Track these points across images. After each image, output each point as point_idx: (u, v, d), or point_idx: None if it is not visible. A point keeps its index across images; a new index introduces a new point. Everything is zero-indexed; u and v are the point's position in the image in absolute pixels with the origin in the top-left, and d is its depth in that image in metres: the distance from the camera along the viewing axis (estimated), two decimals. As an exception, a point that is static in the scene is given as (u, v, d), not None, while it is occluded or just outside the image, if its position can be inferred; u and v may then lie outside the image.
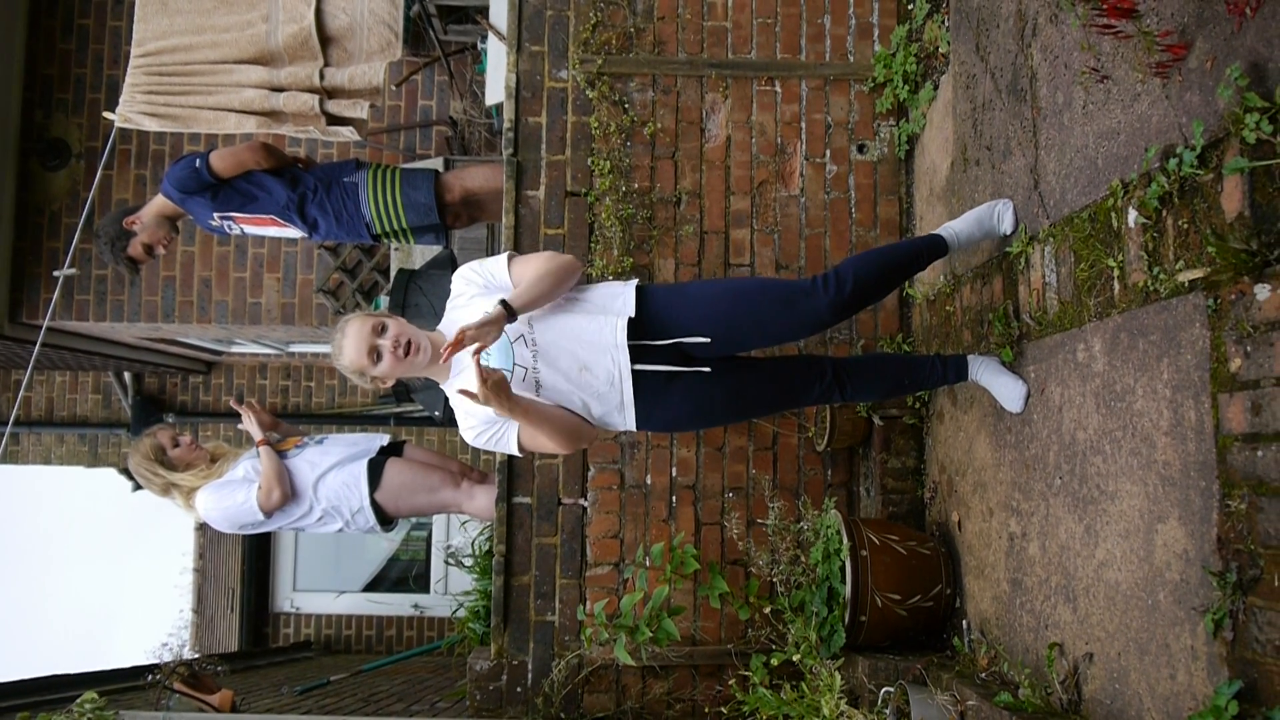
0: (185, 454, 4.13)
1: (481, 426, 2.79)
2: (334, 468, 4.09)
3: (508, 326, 2.66)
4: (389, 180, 4.38)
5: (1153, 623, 2.23)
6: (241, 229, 4.42)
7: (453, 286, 2.88)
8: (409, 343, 2.70)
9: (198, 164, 4.16)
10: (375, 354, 2.71)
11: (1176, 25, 2.15)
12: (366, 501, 4.07)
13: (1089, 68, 2.52)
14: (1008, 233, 3.06)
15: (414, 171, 4.51)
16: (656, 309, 2.82)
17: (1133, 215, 2.32)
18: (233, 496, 3.99)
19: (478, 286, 2.82)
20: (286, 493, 3.99)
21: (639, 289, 2.86)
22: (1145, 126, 2.30)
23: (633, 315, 2.77)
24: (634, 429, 2.88)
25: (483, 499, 4.16)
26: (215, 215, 4.30)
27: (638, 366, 2.76)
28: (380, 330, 2.70)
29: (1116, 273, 2.42)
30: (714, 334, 2.82)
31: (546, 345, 2.73)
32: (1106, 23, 2.29)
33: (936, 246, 3.10)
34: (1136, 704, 2.29)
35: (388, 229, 4.40)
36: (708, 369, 2.84)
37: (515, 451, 2.82)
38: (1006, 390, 2.98)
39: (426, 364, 2.75)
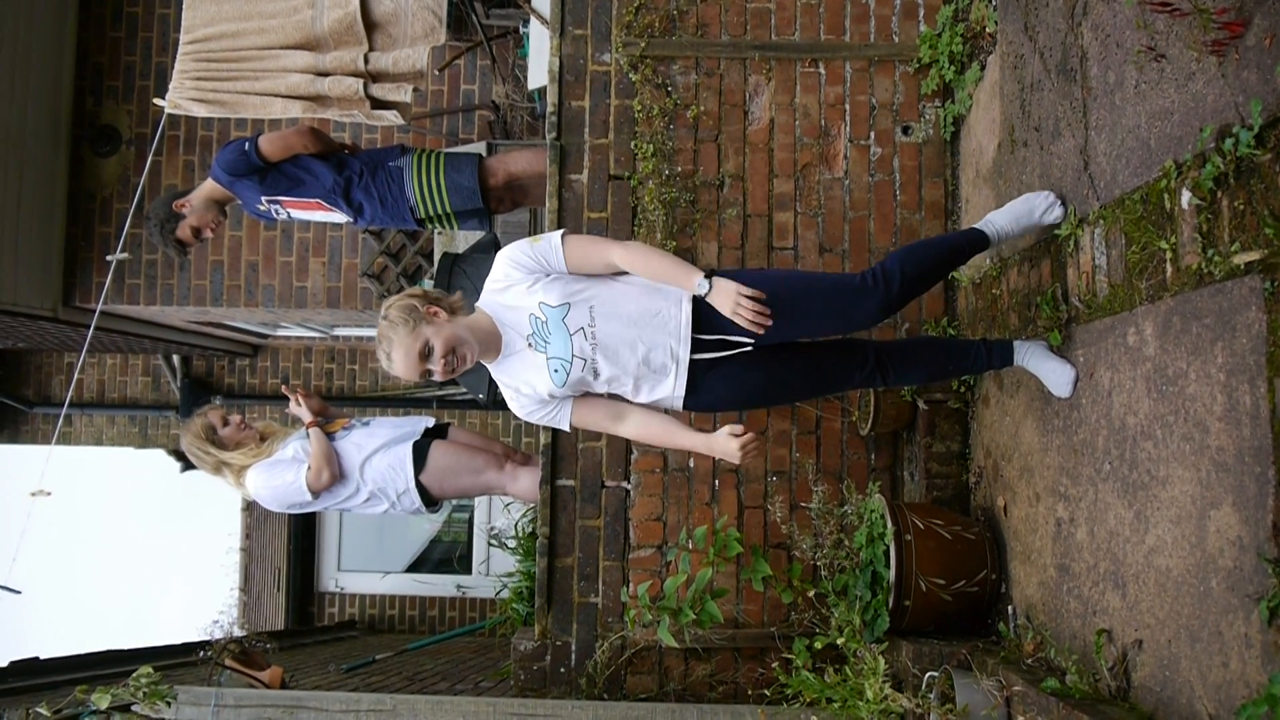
0: (235, 433, 4.21)
1: (534, 406, 2.88)
2: (380, 450, 4.14)
3: (567, 319, 2.73)
4: (433, 165, 4.41)
5: (1205, 610, 2.21)
6: (288, 213, 4.48)
7: (495, 268, 2.86)
8: (458, 357, 2.75)
9: (246, 147, 4.22)
10: (428, 374, 2.78)
11: (1234, 2, 2.11)
12: (412, 483, 4.12)
13: (1143, 46, 2.48)
14: (1055, 221, 3.02)
15: (458, 156, 4.53)
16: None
17: (1186, 196, 2.28)
18: (282, 476, 4.05)
19: (527, 272, 2.80)
20: (335, 474, 4.06)
21: None
22: (1200, 106, 2.26)
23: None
24: (680, 410, 2.93)
25: (526, 481, 4.20)
26: (263, 199, 4.36)
27: (692, 356, 2.80)
28: (426, 353, 2.73)
29: (1169, 255, 2.38)
30: (760, 335, 2.82)
31: (606, 337, 2.75)
32: (1162, 0, 2.25)
33: (977, 242, 3.08)
34: (1187, 692, 2.27)
35: (432, 213, 4.43)
36: (751, 346, 2.85)
37: (566, 428, 2.96)
38: (1054, 375, 2.95)
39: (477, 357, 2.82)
